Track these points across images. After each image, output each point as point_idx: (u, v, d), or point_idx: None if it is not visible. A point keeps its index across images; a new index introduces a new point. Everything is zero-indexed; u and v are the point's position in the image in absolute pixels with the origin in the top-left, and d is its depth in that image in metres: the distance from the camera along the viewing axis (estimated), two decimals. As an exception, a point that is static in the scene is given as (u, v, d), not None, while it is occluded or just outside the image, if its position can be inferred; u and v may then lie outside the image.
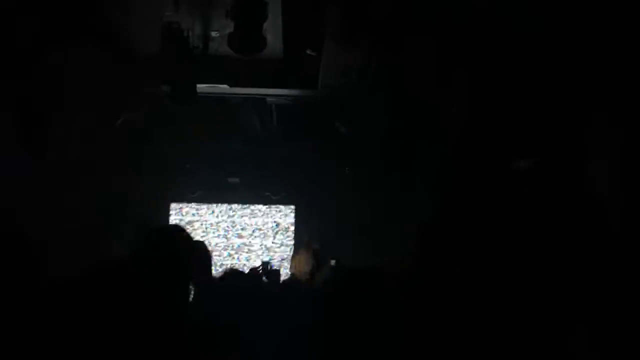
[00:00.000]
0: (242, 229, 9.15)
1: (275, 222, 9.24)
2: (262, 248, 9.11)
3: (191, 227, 8.88)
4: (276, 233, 9.21)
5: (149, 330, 1.40)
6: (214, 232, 9.00)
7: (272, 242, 9.19)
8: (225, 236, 9.10)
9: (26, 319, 1.39)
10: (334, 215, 8.29)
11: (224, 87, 6.74)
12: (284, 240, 9.18)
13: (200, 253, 1.83)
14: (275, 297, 3.25)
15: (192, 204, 8.98)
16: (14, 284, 1.37)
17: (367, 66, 6.04)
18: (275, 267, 5.64)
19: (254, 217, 9.20)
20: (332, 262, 6.33)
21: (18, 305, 1.36)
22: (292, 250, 8.43)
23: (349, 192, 8.43)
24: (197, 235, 8.52)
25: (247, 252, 9.07)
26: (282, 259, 8.83)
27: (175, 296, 1.48)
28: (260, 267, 5.53)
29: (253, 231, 9.16)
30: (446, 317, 1.33)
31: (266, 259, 8.14)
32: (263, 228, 9.20)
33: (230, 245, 9.12)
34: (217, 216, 9.09)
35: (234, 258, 8.94)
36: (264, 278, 5.24)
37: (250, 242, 9.15)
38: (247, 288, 2.96)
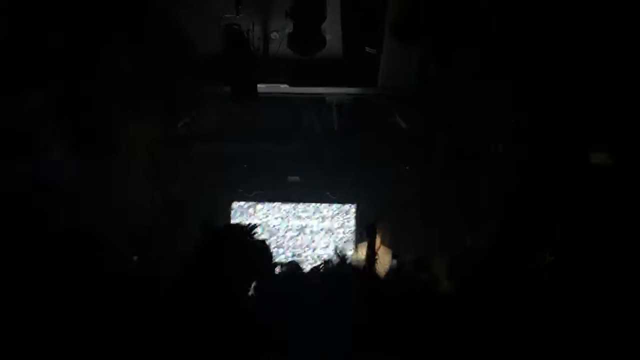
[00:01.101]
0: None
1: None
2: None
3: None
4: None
5: (208, 328, 1.42)
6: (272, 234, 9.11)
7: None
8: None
9: (96, 311, 1.44)
10: (395, 213, 8.22)
11: (284, 87, 6.79)
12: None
13: (262, 253, 1.83)
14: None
15: (252, 202, 9.10)
16: (84, 279, 1.41)
17: (425, 65, 5.98)
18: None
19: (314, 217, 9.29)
20: (394, 260, 6.29)
21: (87, 298, 1.43)
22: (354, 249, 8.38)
23: (410, 189, 8.36)
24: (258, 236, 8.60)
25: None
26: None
27: (238, 296, 1.49)
28: (322, 265, 5.50)
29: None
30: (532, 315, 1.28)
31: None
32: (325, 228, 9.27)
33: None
34: (277, 217, 9.19)
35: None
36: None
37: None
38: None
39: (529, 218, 1.24)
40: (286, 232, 9.16)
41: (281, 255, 8.87)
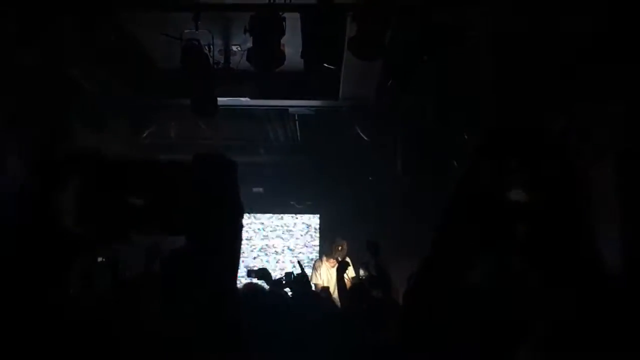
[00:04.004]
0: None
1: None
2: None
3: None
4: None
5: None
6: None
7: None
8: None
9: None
10: (359, 223, 8.30)
11: (245, 100, 6.83)
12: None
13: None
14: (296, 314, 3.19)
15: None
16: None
17: (386, 78, 6.07)
18: (301, 275, 5.51)
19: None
20: (362, 272, 6.30)
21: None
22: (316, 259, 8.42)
23: (374, 199, 8.45)
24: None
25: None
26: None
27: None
28: (284, 278, 5.49)
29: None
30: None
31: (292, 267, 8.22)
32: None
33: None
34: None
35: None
36: (287, 290, 5.21)
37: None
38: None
39: (453, 250, 1.28)
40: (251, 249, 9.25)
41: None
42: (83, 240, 1.30)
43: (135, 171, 1.30)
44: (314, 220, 9.41)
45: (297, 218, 9.46)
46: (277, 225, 9.45)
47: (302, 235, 9.41)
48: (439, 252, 1.30)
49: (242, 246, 1.45)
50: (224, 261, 1.37)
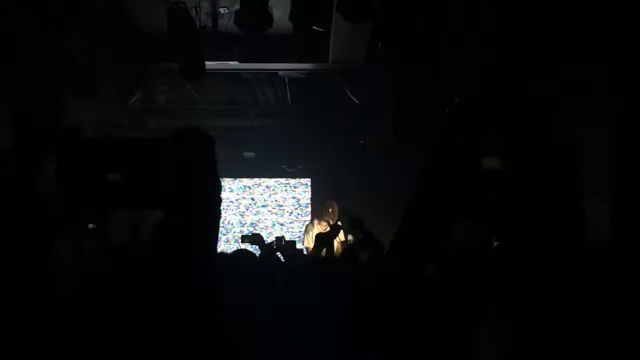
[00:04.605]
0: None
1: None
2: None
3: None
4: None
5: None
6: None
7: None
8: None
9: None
10: (351, 186, 8.29)
11: (233, 64, 6.73)
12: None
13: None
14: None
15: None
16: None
17: (374, 44, 5.99)
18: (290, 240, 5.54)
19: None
20: (350, 237, 6.31)
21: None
22: (308, 222, 8.44)
23: (365, 162, 8.43)
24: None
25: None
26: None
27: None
28: (275, 243, 5.52)
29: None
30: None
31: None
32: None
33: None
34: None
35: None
36: (278, 254, 5.23)
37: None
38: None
39: (424, 220, 1.27)
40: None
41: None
42: (63, 217, 1.32)
43: (114, 148, 1.31)
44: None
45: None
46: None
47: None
48: (414, 217, 1.30)
49: (220, 219, 1.47)
50: (203, 234, 1.39)
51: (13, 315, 1.24)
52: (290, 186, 9.43)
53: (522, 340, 1.17)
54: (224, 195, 1.52)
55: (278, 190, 9.42)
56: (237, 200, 9.32)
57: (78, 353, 1.29)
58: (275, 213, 9.33)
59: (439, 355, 1.43)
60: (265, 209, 9.37)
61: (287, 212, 9.36)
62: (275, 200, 9.38)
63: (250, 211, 9.32)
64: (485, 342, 1.25)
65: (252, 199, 9.39)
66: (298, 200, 9.42)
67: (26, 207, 1.32)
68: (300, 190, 9.42)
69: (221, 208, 1.47)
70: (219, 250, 2.40)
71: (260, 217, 9.29)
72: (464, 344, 1.32)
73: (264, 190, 9.41)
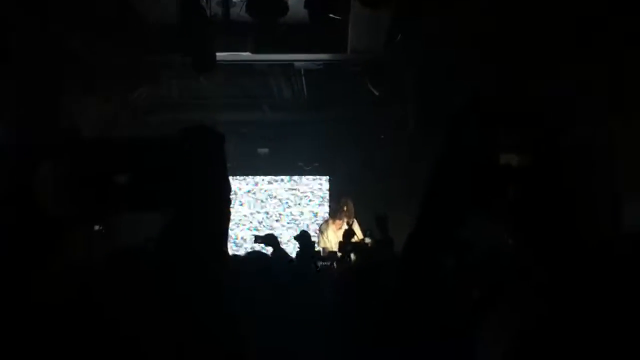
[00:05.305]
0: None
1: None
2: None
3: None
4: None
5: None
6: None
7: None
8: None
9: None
10: (370, 184, 7.99)
11: (246, 55, 6.44)
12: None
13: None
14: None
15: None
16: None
17: (393, 33, 5.70)
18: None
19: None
20: (367, 240, 6.15)
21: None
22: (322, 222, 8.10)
23: (386, 158, 8.12)
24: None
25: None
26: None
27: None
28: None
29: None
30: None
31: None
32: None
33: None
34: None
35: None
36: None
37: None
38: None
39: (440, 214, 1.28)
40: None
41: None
42: (68, 221, 1.32)
43: (119, 149, 1.31)
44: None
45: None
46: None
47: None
48: (428, 211, 1.31)
49: (229, 220, 1.46)
50: (211, 235, 1.39)
51: (14, 315, 1.23)
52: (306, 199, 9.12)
53: (530, 335, 1.15)
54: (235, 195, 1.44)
55: (292, 204, 9.11)
56: (251, 214, 9.03)
57: (83, 354, 1.25)
58: (289, 228, 8.99)
59: (445, 349, 1.39)
60: (279, 223, 9.06)
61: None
62: (291, 214, 9.09)
63: (264, 225, 9.02)
64: (493, 337, 1.26)
65: (267, 213, 9.08)
66: (316, 213, 9.11)
67: (26, 207, 1.29)
68: (315, 203, 9.11)
69: (230, 209, 1.45)
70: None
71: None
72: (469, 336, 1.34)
73: (277, 204, 9.08)
